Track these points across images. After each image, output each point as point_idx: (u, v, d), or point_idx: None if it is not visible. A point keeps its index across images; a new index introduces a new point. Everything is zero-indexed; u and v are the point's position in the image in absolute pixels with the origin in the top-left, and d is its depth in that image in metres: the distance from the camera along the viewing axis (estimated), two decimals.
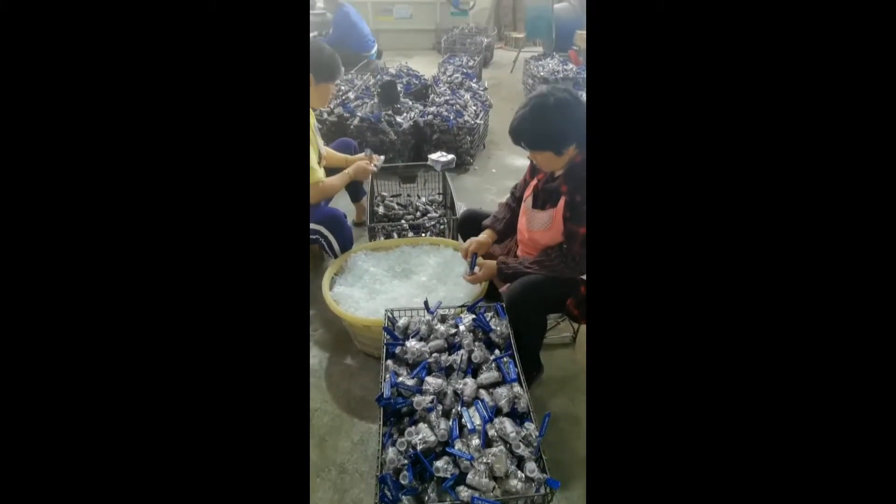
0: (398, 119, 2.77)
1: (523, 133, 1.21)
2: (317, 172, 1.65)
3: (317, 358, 1.61)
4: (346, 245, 1.73)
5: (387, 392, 1.06)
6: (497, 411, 1.03)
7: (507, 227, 1.51)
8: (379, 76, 3.49)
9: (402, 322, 1.28)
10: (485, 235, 1.49)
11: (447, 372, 1.14)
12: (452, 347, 1.20)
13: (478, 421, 0.99)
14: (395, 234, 1.91)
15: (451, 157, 2.10)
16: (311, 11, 5.55)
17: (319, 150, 1.79)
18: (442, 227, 1.97)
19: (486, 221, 1.53)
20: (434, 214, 2.08)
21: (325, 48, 1.63)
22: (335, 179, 1.76)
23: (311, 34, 4.89)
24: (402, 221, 2.00)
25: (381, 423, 1.02)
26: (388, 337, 1.22)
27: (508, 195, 1.55)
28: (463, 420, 1.00)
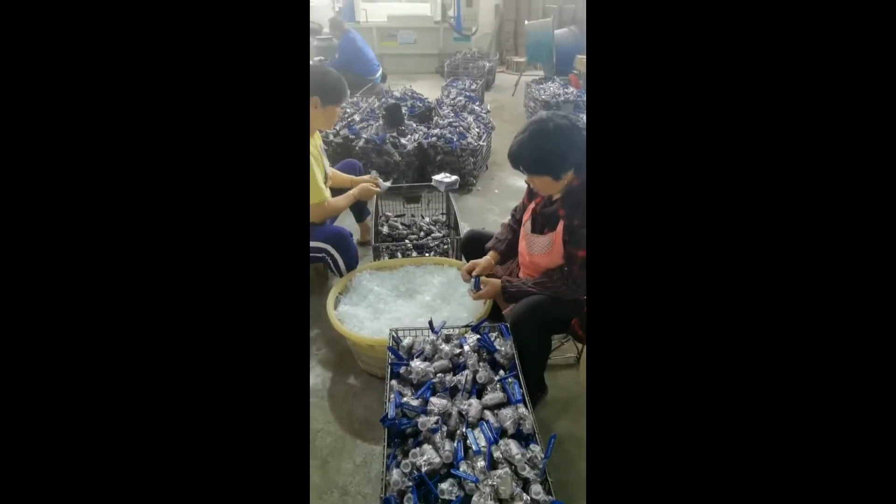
0: (403, 141, 2.82)
1: (522, 158, 1.24)
2: (322, 192, 1.68)
3: (320, 377, 1.61)
4: (351, 264, 1.75)
5: (391, 412, 1.05)
6: (502, 432, 1.02)
7: (509, 248, 1.52)
8: (384, 99, 3.56)
9: (406, 342, 1.29)
10: (488, 257, 1.51)
11: (452, 392, 1.14)
12: (457, 367, 1.20)
13: (483, 442, 0.98)
14: (399, 254, 1.92)
15: (454, 178, 2.14)
16: (318, 36, 5.71)
17: (325, 170, 1.82)
18: (446, 246, 1.98)
19: (489, 244, 1.55)
20: (438, 234, 2.10)
21: (331, 72, 1.67)
22: (340, 199, 1.79)
23: (318, 58, 5.02)
24: (407, 241, 2.02)
25: (386, 444, 1.02)
26: (393, 356, 1.22)
27: (510, 216, 1.57)
28: (468, 441, 0.99)
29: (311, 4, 6.55)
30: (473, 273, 1.46)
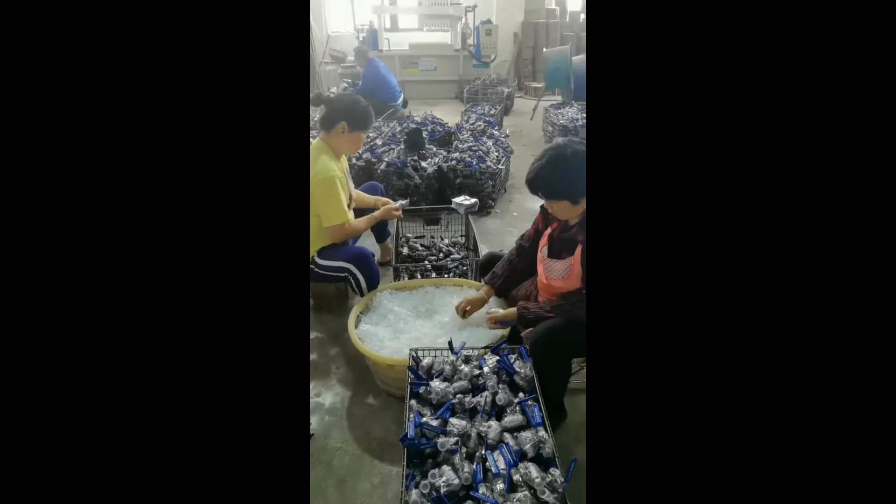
0: (423, 164, 2.89)
1: (540, 183, 1.27)
2: (346, 214, 1.73)
3: (339, 396, 1.62)
4: (372, 283, 1.78)
5: (411, 432, 1.06)
6: (522, 455, 1.02)
7: (506, 283, 1.56)
8: (405, 124, 3.66)
9: (426, 362, 1.30)
10: (481, 293, 1.54)
11: (471, 414, 1.14)
12: (476, 389, 1.20)
13: (502, 465, 0.98)
14: (418, 275, 1.95)
15: (474, 200, 2.17)
16: (342, 64, 5.93)
17: (350, 192, 1.88)
18: (464, 268, 2.00)
19: (486, 278, 1.59)
20: (456, 256, 2.13)
21: (360, 101, 1.75)
22: (360, 221, 1.84)
23: (344, 85, 5.20)
24: (426, 262, 2.05)
25: (405, 464, 1.02)
26: (413, 376, 1.23)
27: (514, 249, 1.59)
28: (487, 464, 0.99)
29: (337, 34, 6.85)
30: (468, 313, 1.51)
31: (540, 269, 1.45)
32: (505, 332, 1.49)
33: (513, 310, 1.41)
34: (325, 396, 1.61)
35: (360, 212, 1.93)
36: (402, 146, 3.09)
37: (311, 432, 1.44)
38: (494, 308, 1.54)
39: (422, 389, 1.19)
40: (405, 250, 2.16)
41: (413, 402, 1.18)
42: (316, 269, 1.81)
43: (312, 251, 1.80)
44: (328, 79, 6.13)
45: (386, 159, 2.89)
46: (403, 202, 2.05)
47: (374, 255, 1.84)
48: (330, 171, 1.68)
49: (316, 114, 4.22)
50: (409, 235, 2.35)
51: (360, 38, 6.26)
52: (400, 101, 4.73)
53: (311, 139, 1.89)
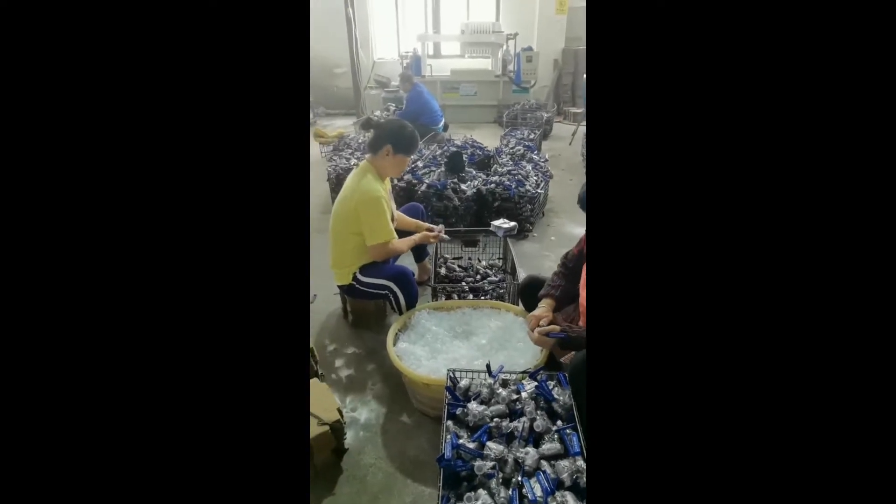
0: (463, 187, 2.94)
1: None
2: (391, 232, 1.78)
3: (374, 412, 1.64)
4: (411, 302, 1.81)
5: (447, 453, 1.06)
6: (559, 484, 1.00)
7: (563, 295, 1.53)
8: (445, 147, 3.75)
9: (463, 383, 1.31)
10: (546, 305, 1.52)
11: (508, 439, 1.13)
12: (513, 414, 1.20)
13: (539, 493, 0.97)
14: (455, 296, 1.97)
15: (513, 224, 2.19)
16: (386, 89, 6.16)
17: (392, 212, 1.94)
18: (501, 291, 2.01)
19: (542, 291, 1.57)
20: (494, 278, 2.14)
21: (406, 126, 1.82)
22: (403, 242, 1.88)
23: (387, 111, 5.38)
24: (463, 283, 2.07)
25: (441, 485, 1.02)
26: (450, 397, 1.24)
27: (560, 264, 1.59)
28: (524, 490, 0.98)
29: (382, 60, 7.14)
30: (540, 327, 1.45)
31: (582, 293, 1.43)
32: (543, 357, 1.48)
33: (556, 326, 1.40)
34: (361, 412, 1.63)
35: (399, 233, 1.98)
36: (443, 169, 3.16)
37: (346, 447, 1.47)
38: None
39: (459, 411, 1.20)
40: (443, 270, 2.19)
41: (450, 422, 1.19)
42: (357, 286, 1.86)
43: (354, 268, 1.86)
44: (372, 102, 6.37)
45: (426, 181, 2.96)
46: (440, 227, 2.10)
47: (413, 275, 1.88)
48: (376, 191, 1.75)
49: (360, 135, 4.38)
50: (448, 256, 2.38)
51: (404, 65, 6.49)
52: (441, 124, 4.85)
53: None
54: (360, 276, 1.85)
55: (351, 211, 1.78)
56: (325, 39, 6.92)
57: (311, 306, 2.25)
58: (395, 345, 1.60)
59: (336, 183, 3.30)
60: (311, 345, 1.67)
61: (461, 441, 1.10)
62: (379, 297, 1.87)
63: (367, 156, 1.88)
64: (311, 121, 6.60)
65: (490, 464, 1.03)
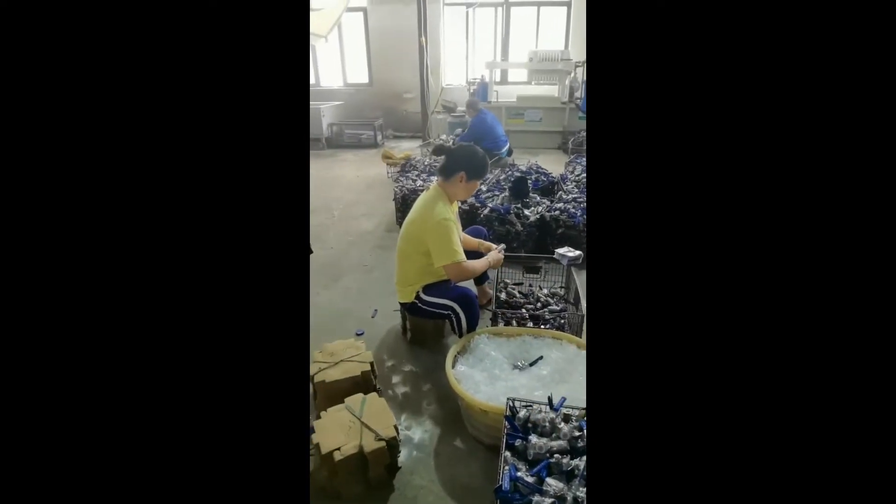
0: (526, 212, 2.93)
1: None
2: (460, 252, 1.80)
3: (428, 434, 1.64)
4: (472, 325, 1.81)
5: (506, 485, 1.04)
6: None
7: None
8: (509, 171, 3.77)
9: (522, 414, 1.28)
10: None
11: (568, 476, 1.09)
12: (575, 451, 1.15)
13: None
14: (514, 322, 1.95)
15: (578, 253, 2.14)
16: (452, 114, 6.32)
17: (459, 233, 1.97)
18: (562, 321, 1.96)
19: None
20: (555, 307, 2.09)
21: (478, 152, 1.87)
22: (477, 263, 1.89)
23: (454, 135, 5.52)
24: (523, 310, 2.04)
25: None
26: (509, 427, 1.21)
27: None
28: None
29: (450, 86, 7.37)
30: None
31: None
32: None
33: None
34: (415, 431, 1.64)
35: (466, 254, 2.00)
36: (507, 193, 3.17)
37: (399, 465, 1.47)
38: None
39: (518, 442, 1.17)
40: (503, 296, 2.18)
41: (508, 453, 1.16)
42: (420, 305, 1.90)
43: (418, 287, 1.89)
44: (438, 126, 6.57)
45: (490, 205, 2.99)
46: (501, 247, 2.10)
47: (476, 297, 1.88)
48: (445, 215, 1.79)
49: (426, 157, 4.50)
50: (508, 281, 2.37)
51: (471, 91, 6.65)
52: (505, 149, 4.89)
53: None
54: (423, 295, 1.88)
55: (419, 233, 1.83)
56: (399, 66, 7.28)
57: (372, 321, 2.31)
58: (453, 367, 1.60)
59: (402, 203, 3.40)
60: (371, 360, 1.71)
61: (519, 474, 1.07)
62: (440, 317, 1.89)
63: (437, 179, 1.93)
64: (379, 142, 6.91)
65: (549, 500, 0.99)
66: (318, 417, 1.46)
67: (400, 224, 3.45)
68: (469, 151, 1.86)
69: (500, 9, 7.20)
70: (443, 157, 1.93)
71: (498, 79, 7.13)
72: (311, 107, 6.96)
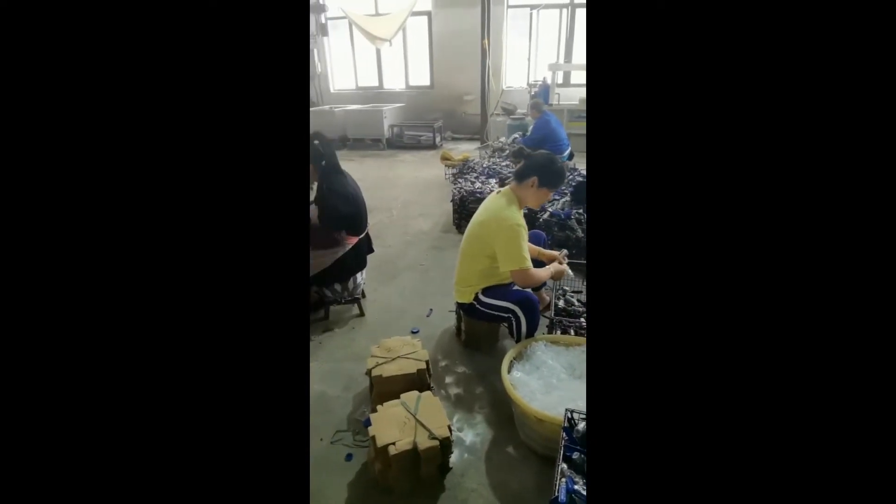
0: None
1: None
2: (528, 259, 1.78)
3: (480, 437, 1.63)
4: (532, 330, 1.79)
5: (562, 497, 1.01)
6: None
7: None
8: (570, 175, 3.67)
9: (581, 426, 1.24)
10: None
11: None
12: None
13: None
14: (571, 331, 1.89)
15: None
16: (512, 116, 6.27)
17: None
18: None
19: None
20: None
21: (557, 161, 1.84)
22: (542, 272, 1.86)
23: (513, 138, 5.47)
24: (581, 319, 1.98)
25: None
26: (567, 438, 1.18)
27: None
28: None
29: (511, 88, 7.31)
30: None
31: None
32: None
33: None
34: (467, 433, 1.64)
35: None
36: (568, 198, 3.10)
37: (451, 465, 1.48)
38: None
39: (576, 455, 1.13)
40: (561, 303, 2.13)
41: (564, 465, 1.13)
42: (478, 306, 1.89)
43: (478, 288, 1.89)
44: (497, 129, 6.54)
45: (549, 209, 2.93)
46: (563, 253, 2.05)
47: (538, 302, 1.85)
48: (517, 219, 1.78)
49: (483, 159, 4.49)
50: (567, 289, 2.31)
51: (532, 93, 6.56)
52: (567, 153, 4.78)
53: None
54: (482, 297, 1.87)
55: (487, 235, 1.81)
56: (460, 68, 7.33)
57: (427, 320, 2.34)
58: (508, 372, 1.58)
59: (459, 204, 3.42)
60: (427, 358, 1.72)
61: (577, 487, 1.04)
62: (498, 320, 1.88)
63: (511, 182, 1.91)
64: (438, 144, 7.00)
65: None
66: (374, 411, 1.50)
67: (457, 225, 3.47)
68: (547, 158, 1.84)
69: (564, 10, 7.05)
70: (521, 160, 1.91)
71: (560, 81, 6.98)
72: (373, 109, 7.18)
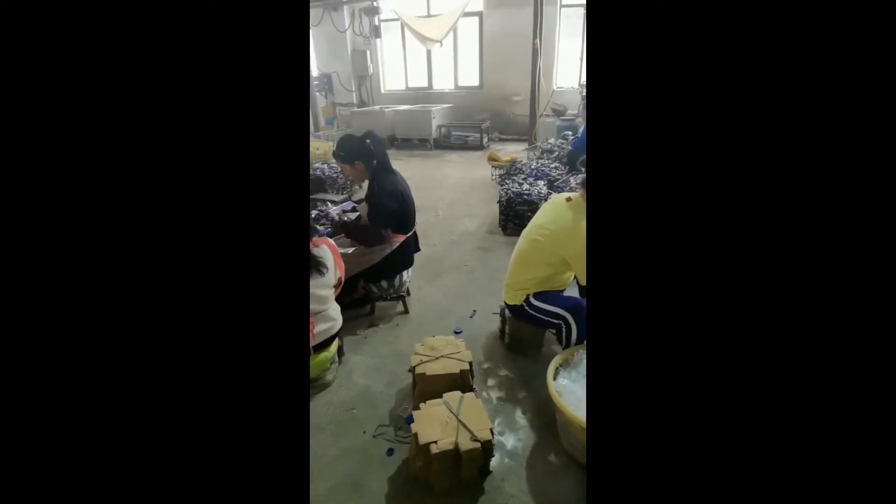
0: None
1: None
2: None
3: (521, 443, 1.61)
4: (582, 338, 1.74)
5: None
6: None
7: None
8: None
9: None
10: None
11: None
12: None
13: None
14: None
15: None
16: (562, 117, 6.14)
17: None
18: None
19: None
20: None
21: None
22: None
23: (561, 140, 5.36)
24: None
25: None
26: None
27: None
28: None
29: (561, 89, 7.17)
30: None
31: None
32: None
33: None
34: (508, 438, 1.62)
35: None
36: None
37: (491, 469, 1.47)
38: None
39: None
40: None
41: None
42: (527, 308, 1.86)
43: (529, 291, 1.85)
44: (546, 130, 6.43)
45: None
46: None
47: None
48: None
49: (532, 161, 4.43)
50: None
51: (583, 94, 6.40)
52: None
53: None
54: (533, 300, 1.84)
55: (553, 244, 1.74)
56: (510, 69, 7.27)
57: (471, 321, 2.33)
58: (554, 379, 1.55)
59: (506, 206, 3.39)
60: (471, 359, 1.72)
61: None
62: (546, 325, 1.84)
63: (579, 191, 1.86)
64: (485, 144, 6.97)
65: None
66: (416, 408, 1.51)
67: (503, 227, 3.45)
68: None
69: None
70: (579, 169, 1.87)
71: None
72: (422, 109, 7.26)
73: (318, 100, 7.31)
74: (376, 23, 7.51)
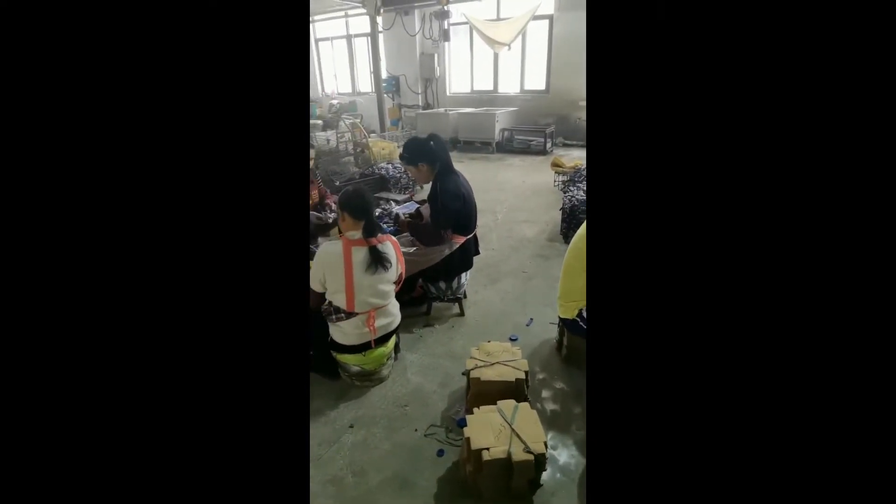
0: None
1: None
2: None
3: (574, 459, 1.56)
4: None
5: None
6: None
7: None
8: None
9: None
10: None
11: None
12: None
13: None
14: None
15: None
16: None
17: None
18: None
19: None
20: None
21: None
22: None
23: None
24: None
25: None
26: None
27: None
28: None
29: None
30: None
31: None
32: None
33: None
34: (561, 453, 1.57)
35: None
36: None
37: (542, 483, 1.43)
38: None
39: None
40: None
41: None
42: (581, 323, 1.81)
43: (582, 305, 1.81)
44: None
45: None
46: None
47: None
48: None
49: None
50: None
51: None
52: None
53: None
54: (585, 314, 1.79)
55: None
56: (578, 73, 7.08)
57: (527, 329, 2.29)
58: None
59: (569, 213, 3.30)
60: (527, 368, 1.69)
61: None
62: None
63: None
64: (548, 149, 6.84)
65: None
66: (469, 412, 1.51)
67: (564, 235, 3.36)
68: None
69: None
70: None
71: None
72: (486, 112, 7.25)
73: (385, 101, 7.51)
74: (446, 26, 7.61)
